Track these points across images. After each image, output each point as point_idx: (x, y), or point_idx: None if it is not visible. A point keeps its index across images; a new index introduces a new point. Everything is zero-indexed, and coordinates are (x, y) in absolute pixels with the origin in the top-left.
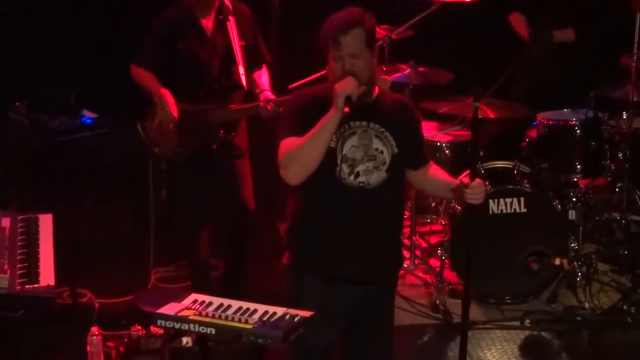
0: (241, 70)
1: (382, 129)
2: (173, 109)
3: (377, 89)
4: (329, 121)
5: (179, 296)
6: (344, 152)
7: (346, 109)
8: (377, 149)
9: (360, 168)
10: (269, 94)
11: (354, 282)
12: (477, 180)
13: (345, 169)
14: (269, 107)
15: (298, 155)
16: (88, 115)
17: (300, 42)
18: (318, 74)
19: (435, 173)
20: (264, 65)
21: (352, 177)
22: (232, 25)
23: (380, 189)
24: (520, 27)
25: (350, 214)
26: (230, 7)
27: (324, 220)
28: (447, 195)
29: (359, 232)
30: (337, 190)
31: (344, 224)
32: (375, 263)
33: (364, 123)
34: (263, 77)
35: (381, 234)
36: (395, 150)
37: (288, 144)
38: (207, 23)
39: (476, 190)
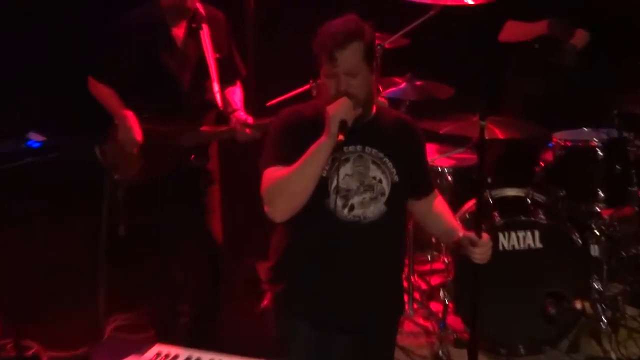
0: (216, 87)
1: (381, 154)
2: (137, 132)
3: (374, 106)
4: (320, 149)
5: (140, 348)
6: (336, 182)
7: (340, 137)
8: (374, 178)
9: (355, 200)
10: (242, 115)
11: (348, 330)
12: (485, 236)
13: (338, 201)
14: (247, 131)
15: (285, 188)
16: (35, 138)
17: (279, 53)
18: (299, 90)
19: (440, 209)
20: (237, 81)
21: (345, 210)
22: (205, 35)
23: (378, 224)
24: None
25: (344, 253)
26: (204, 13)
27: (314, 259)
28: (447, 241)
29: (355, 273)
30: (329, 226)
31: (337, 264)
32: (372, 309)
33: (359, 147)
34: (236, 94)
35: (380, 276)
36: (396, 178)
37: (272, 174)
38: (178, 31)
39: (485, 248)
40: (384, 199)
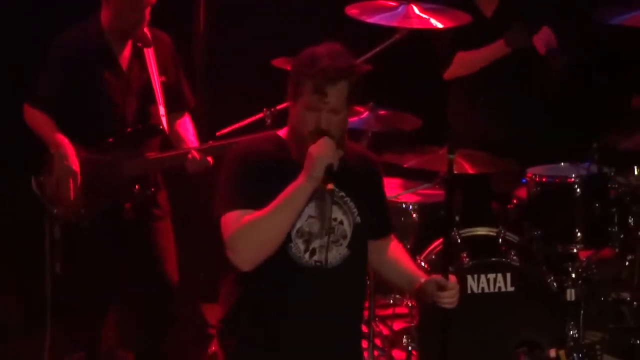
0: (161, 110)
1: (342, 193)
2: (73, 161)
3: None
4: (298, 192)
5: None
6: (298, 225)
7: (330, 186)
8: (335, 220)
9: (316, 244)
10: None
11: None
12: (453, 278)
13: (300, 245)
14: (197, 156)
15: (253, 235)
16: None
17: (230, 78)
18: (252, 119)
19: (398, 253)
20: (186, 113)
21: (307, 255)
22: (151, 57)
23: (340, 269)
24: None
25: (305, 301)
26: (149, 35)
27: (272, 310)
28: (407, 289)
29: (317, 324)
30: (290, 272)
31: (298, 315)
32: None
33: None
34: (188, 128)
35: (341, 326)
36: (358, 219)
37: (236, 219)
38: (122, 52)
39: (454, 292)
40: (346, 242)
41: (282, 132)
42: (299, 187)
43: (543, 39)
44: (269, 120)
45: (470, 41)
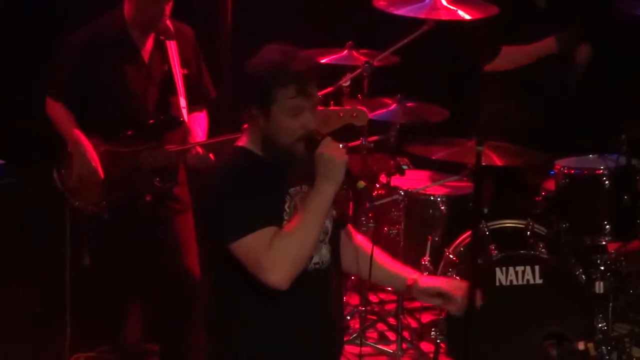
0: (182, 102)
1: None
2: (92, 158)
3: None
4: (326, 200)
5: None
6: None
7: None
8: None
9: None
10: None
11: None
12: (462, 284)
13: None
14: (199, 150)
15: (294, 251)
16: None
17: None
18: None
19: (365, 244)
20: (204, 109)
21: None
22: (173, 49)
23: (330, 266)
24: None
25: (312, 307)
26: (172, 27)
27: (281, 329)
28: (393, 285)
29: (323, 326)
30: (298, 282)
31: (305, 326)
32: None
33: (297, 188)
34: (201, 122)
35: (338, 321)
36: (334, 212)
37: (262, 240)
38: (145, 44)
39: (463, 300)
40: (327, 237)
41: (246, 144)
42: (326, 194)
43: (583, 55)
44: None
45: (520, 32)
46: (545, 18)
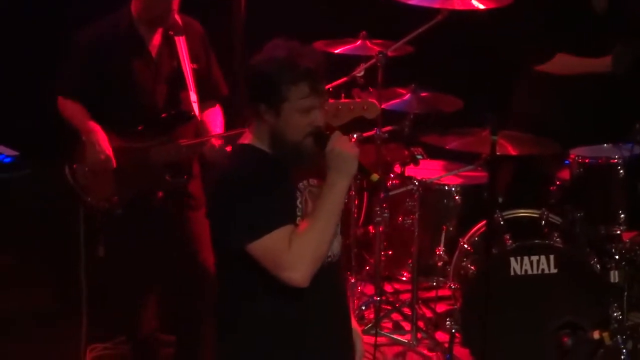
0: (193, 97)
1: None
2: (106, 148)
3: None
4: (341, 194)
5: None
6: None
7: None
8: None
9: None
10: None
11: None
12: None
13: None
14: (216, 143)
15: (314, 247)
16: (6, 152)
17: None
18: None
19: None
20: (217, 104)
21: None
22: (182, 44)
23: (340, 257)
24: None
25: (326, 305)
26: (180, 22)
27: (297, 325)
28: None
29: (337, 320)
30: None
31: (321, 321)
32: (348, 351)
33: (305, 183)
34: (217, 118)
35: (349, 311)
36: None
37: (282, 239)
38: (152, 39)
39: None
40: (338, 229)
41: (251, 141)
42: (340, 189)
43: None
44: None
45: (577, 37)
46: (604, 25)
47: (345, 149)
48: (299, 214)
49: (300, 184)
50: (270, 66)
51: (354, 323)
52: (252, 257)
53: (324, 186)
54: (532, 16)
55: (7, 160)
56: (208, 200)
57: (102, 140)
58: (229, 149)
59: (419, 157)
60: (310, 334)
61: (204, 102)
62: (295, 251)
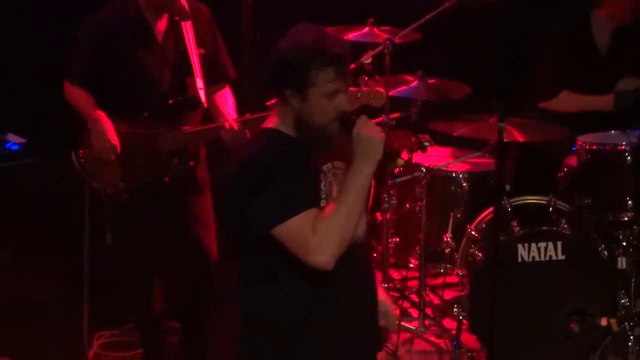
0: (199, 83)
1: (343, 165)
2: (112, 136)
3: None
4: (367, 179)
5: None
6: None
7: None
8: None
9: None
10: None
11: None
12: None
13: None
14: (235, 127)
15: (339, 231)
16: (14, 140)
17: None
18: None
19: None
20: (226, 86)
21: None
22: (188, 29)
23: (365, 242)
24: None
25: (351, 285)
26: (187, 7)
27: (323, 306)
28: None
29: (364, 303)
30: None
31: (347, 301)
32: (375, 332)
33: (330, 165)
34: (228, 101)
35: (375, 292)
36: None
37: (307, 222)
38: (158, 25)
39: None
40: (365, 211)
41: (276, 126)
42: (365, 173)
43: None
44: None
45: (581, 75)
46: (607, 63)
47: (371, 133)
48: (323, 196)
49: (325, 166)
50: (296, 51)
51: (384, 295)
52: (277, 240)
53: (350, 171)
54: (541, 53)
55: (15, 147)
56: (229, 183)
57: (108, 129)
58: (247, 132)
59: (427, 144)
60: (336, 315)
61: (212, 85)
62: (321, 234)
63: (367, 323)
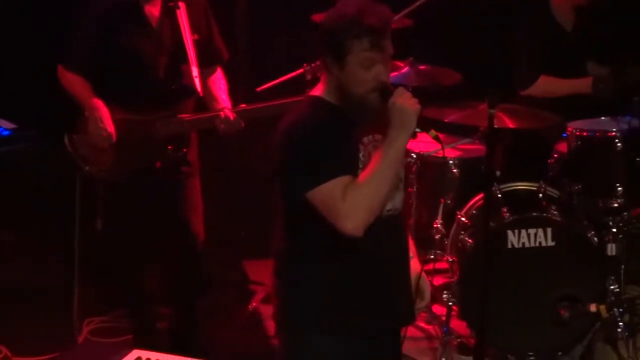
0: (194, 71)
1: (378, 136)
2: (108, 124)
3: None
4: (401, 148)
5: (117, 353)
6: None
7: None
8: None
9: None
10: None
11: (388, 331)
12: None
13: None
14: (231, 116)
15: (371, 198)
16: (4, 125)
17: (271, 35)
18: (292, 74)
19: None
20: (218, 67)
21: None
22: (183, 14)
23: (402, 212)
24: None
25: (382, 255)
26: None
27: (349, 269)
28: None
29: (393, 274)
30: (374, 231)
31: (376, 270)
32: (411, 302)
33: (370, 137)
34: (221, 85)
35: (408, 266)
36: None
37: (339, 188)
38: (152, 10)
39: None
40: (402, 184)
41: (320, 94)
42: (400, 143)
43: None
44: (309, 76)
45: (553, 56)
46: (576, 41)
47: (406, 104)
48: (360, 166)
49: (365, 138)
50: (336, 21)
51: (418, 266)
52: (312, 205)
53: (384, 140)
54: (518, 42)
55: (6, 133)
56: (277, 151)
57: (105, 117)
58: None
59: (417, 130)
60: (371, 286)
61: (206, 67)
62: (350, 201)
63: (399, 295)
